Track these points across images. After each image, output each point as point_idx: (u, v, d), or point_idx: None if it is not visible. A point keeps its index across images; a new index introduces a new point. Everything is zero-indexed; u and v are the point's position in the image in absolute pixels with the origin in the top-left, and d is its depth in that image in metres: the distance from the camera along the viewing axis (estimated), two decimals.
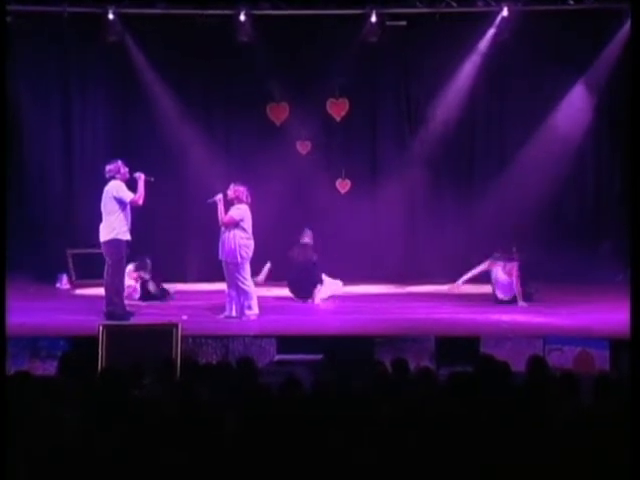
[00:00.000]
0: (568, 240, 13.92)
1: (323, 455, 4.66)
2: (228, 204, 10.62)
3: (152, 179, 10.44)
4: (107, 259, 10.33)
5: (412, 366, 7.21)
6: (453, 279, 12.28)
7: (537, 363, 6.49)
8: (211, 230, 11.25)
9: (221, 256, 10.59)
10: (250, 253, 10.60)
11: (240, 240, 10.49)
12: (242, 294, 10.58)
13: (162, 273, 13.52)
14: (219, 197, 10.57)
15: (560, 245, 13.80)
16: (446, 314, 11.05)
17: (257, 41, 13.40)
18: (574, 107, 13.87)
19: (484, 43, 13.66)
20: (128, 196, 10.25)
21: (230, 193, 10.62)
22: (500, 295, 12.00)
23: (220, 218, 10.55)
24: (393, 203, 14.03)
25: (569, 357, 8.97)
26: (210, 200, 10.55)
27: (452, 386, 5.69)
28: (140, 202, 10.34)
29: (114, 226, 10.24)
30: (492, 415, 5.15)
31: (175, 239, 14.12)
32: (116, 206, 10.23)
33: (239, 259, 10.48)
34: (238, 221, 10.50)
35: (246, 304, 10.58)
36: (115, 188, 10.27)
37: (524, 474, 4.62)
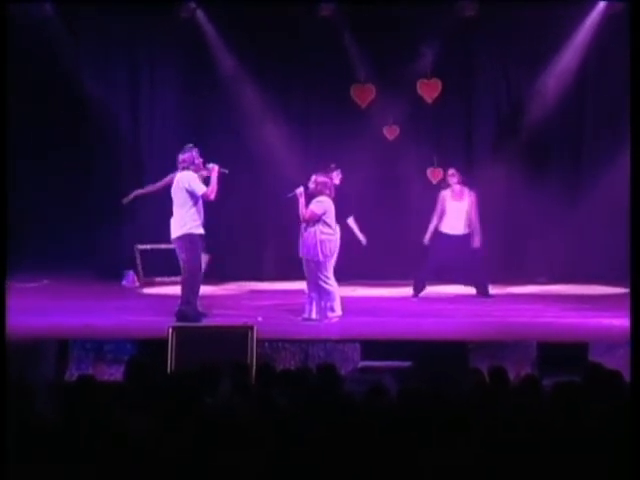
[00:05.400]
0: None
1: (412, 472, 4.64)
2: (310, 197, 10.62)
3: (226, 171, 10.48)
4: (181, 256, 10.39)
5: (511, 375, 7.15)
6: (557, 279, 12.17)
7: None
8: (290, 225, 11.30)
9: (301, 253, 10.61)
10: (334, 250, 10.56)
11: (322, 236, 10.46)
12: (324, 294, 10.57)
13: (236, 271, 13.66)
14: (300, 190, 10.56)
15: None
16: (550, 317, 10.94)
17: (340, 15, 13.41)
18: None
19: (592, 19, 13.47)
20: (200, 189, 10.28)
21: (312, 185, 10.61)
22: (446, 229, 11.98)
23: (301, 213, 10.54)
24: (490, 195, 13.88)
25: None
26: (290, 194, 10.56)
27: (557, 398, 5.61)
28: (212, 197, 10.34)
29: (185, 220, 10.30)
30: (603, 430, 5.07)
31: (250, 234, 14.23)
32: (188, 199, 10.28)
33: (321, 257, 10.45)
34: (320, 215, 10.48)
35: (328, 305, 10.57)
36: (187, 179, 10.32)
37: None
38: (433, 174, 14.18)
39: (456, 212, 12.25)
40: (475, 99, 14.43)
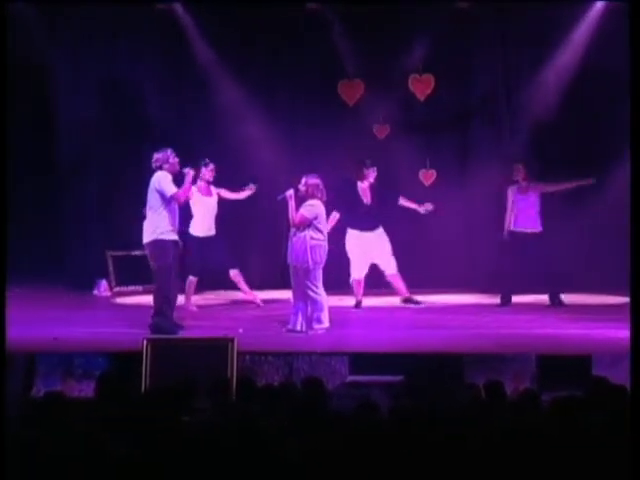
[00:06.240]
0: None
1: None
2: (300, 200, 10.61)
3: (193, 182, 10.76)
4: (152, 263, 10.40)
5: (509, 390, 7.16)
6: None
7: None
8: (275, 230, 11.31)
9: (290, 260, 10.60)
10: (324, 257, 10.57)
11: (312, 242, 10.46)
12: (311, 304, 10.56)
13: (218, 279, 13.65)
14: (290, 193, 10.56)
15: None
16: (551, 329, 10.95)
17: (328, 6, 13.40)
18: None
19: (591, 17, 13.52)
20: (170, 190, 10.23)
21: (302, 188, 10.60)
22: (518, 227, 12.28)
23: (291, 217, 10.54)
24: (487, 198, 13.89)
25: None
26: (280, 196, 10.58)
27: (557, 414, 5.62)
28: (182, 199, 10.42)
29: (157, 224, 10.27)
30: (605, 448, 5.07)
31: (232, 239, 14.18)
32: (160, 201, 10.25)
33: (311, 264, 10.45)
34: (311, 220, 10.49)
35: (315, 316, 10.56)
36: (158, 180, 10.28)
37: None
38: (426, 176, 14.18)
39: (525, 209, 12.36)
40: (470, 95, 14.43)
